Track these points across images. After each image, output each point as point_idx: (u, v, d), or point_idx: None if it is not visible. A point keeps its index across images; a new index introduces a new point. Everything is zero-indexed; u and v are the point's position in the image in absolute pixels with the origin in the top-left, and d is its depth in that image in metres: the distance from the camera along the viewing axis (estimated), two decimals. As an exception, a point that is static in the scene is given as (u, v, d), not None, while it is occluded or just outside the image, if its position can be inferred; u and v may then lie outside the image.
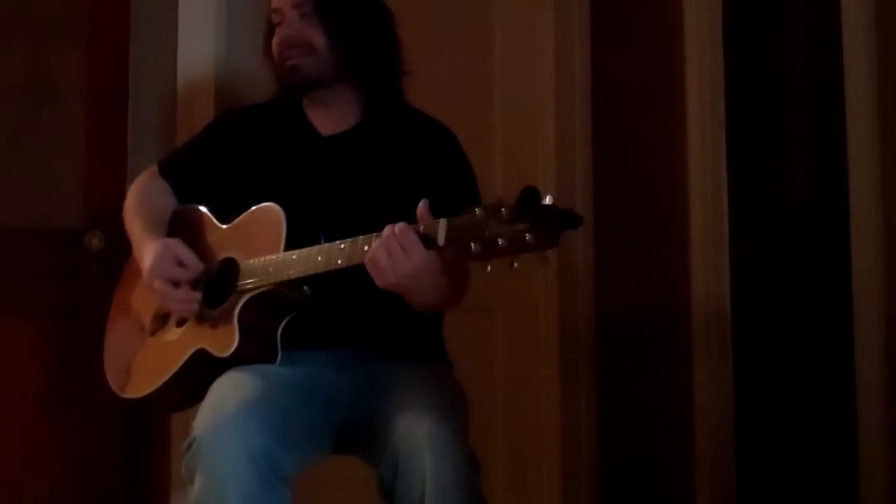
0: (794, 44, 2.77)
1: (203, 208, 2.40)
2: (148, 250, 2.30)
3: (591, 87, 3.11)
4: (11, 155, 2.86)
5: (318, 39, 2.35)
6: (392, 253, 1.95)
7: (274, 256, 2.16)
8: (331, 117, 2.40)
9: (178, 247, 2.28)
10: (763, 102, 2.83)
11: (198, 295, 2.24)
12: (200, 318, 2.24)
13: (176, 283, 2.25)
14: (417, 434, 2.01)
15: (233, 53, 3.01)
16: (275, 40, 2.39)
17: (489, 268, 1.85)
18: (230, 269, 2.24)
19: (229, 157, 2.42)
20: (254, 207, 2.26)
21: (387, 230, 1.96)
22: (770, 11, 2.83)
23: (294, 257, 2.12)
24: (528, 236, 1.80)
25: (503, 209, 1.82)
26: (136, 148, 2.85)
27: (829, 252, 2.60)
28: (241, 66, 2.99)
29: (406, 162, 2.33)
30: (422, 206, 1.96)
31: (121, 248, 2.59)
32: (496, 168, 3.08)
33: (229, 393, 2.10)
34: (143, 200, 2.46)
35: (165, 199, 2.46)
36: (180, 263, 2.26)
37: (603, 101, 3.10)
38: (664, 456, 2.93)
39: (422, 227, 1.94)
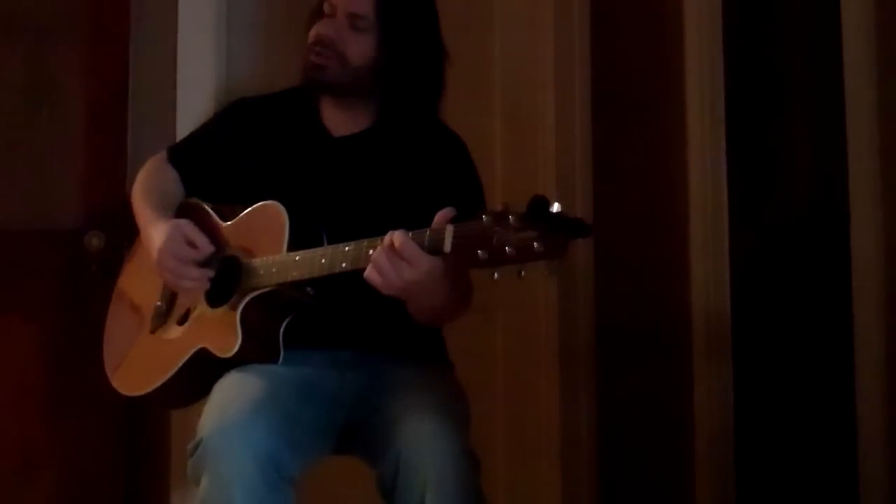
0: (794, 43, 2.77)
1: (205, 205, 2.39)
2: (158, 231, 2.29)
3: (591, 87, 3.10)
4: (11, 155, 2.86)
5: (358, 57, 2.29)
6: (393, 261, 1.93)
7: (277, 256, 2.15)
8: (344, 119, 2.37)
9: (189, 227, 2.27)
10: (763, 102, 2.83)
11: (209, 272, 2.23)
12: (202, 317, 2.24)
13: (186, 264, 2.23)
14: (418, 434, 2.02)
15: (233, 53, 3.00)
16: (314, 29, 2.32)
17: (496, 275, 1.81)
18: (232, 268, 2.23)
19: (239, 148, 2.40)
20: (256, 205, 2.25)
21: (386, 239, 1.94)
22: (770, 11, 2.83)
23: (297, 259, 2.11)
24: (536, 245, 1.76)
25: (511, 217, 1.78)
26: (136, 148, 2.85)
27: (829, 252, 2.60)
28: (241, 65, 2.99)
29: (414, 167, 2.31)
30: (443, 213, 1.92)
31: (121, 248, 2.60)
32: (496, 168, 3.07)
33: (234, 394, 2.10)
34: (152, 184, 2.45)
35: (174, 186, 2.45)
36: (191, 244, 2.25)
37: (603, 101, 3.09)
38: (664, 456, 2.93)
39: (428, 233, 1.92)
